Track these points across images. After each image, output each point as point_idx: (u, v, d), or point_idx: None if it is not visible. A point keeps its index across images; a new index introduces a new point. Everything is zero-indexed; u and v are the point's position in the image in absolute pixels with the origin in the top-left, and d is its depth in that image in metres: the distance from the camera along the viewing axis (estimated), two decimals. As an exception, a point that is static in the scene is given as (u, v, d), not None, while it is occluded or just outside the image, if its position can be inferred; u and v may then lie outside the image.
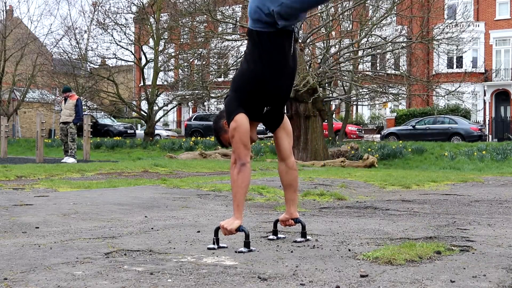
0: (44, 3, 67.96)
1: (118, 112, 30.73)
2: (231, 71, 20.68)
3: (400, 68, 21.41)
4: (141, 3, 27.11)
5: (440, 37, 18.89)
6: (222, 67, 20.61)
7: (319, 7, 19.15)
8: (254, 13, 2.96)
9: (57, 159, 14.25)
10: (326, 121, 22.78)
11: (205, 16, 18.08)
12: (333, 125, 27.38)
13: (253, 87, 3.02)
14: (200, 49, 21.18)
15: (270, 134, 26.96)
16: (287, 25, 2.93)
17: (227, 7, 21.28)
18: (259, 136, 24.81)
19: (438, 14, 23.38)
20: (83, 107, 16.02)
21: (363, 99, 21.49)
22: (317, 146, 15.99)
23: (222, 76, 22.08)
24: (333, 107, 31.21)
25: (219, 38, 19.00)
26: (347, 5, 17.73)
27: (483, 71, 35.22)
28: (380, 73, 20.04)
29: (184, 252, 2.85)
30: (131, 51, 28.47)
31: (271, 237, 3.31)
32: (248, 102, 3.03)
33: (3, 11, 34.77)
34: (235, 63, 19.21)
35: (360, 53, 18.68)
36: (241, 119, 3.00)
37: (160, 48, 27.10)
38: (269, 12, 2.89)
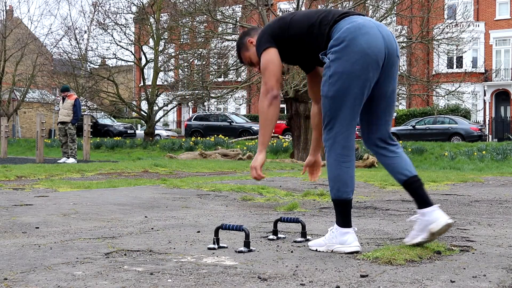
0: (44, 3, 68.06)
1: (118, 112, 30.75)
2: (231, 71, 20.67)
3: (400, 68, 21.40)
4: (141, 3, 27.12)
5: (440, 37, 18.90)
6: (222, 67, 20.61)
7: (319, 7, 19.16)
8: None
9: (57, 159, 14.26)
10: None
11: (205, 16, 18.08)
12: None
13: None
14: (200, 49, 21.18)
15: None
16: None
17: (227, 7, 21.27)
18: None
19: (438, 14, 23.38)
20: (82, 107, 16.03)
21: (363, 99, 21.45)
22: (317, 146, 15.96)
23: (222, 76, 22.07)
24: (333, 107, 31.16)
25: (219, 38, 18.99)
26: (347, 5, 17.72)
27: (483, 71, 35.23)
28: (380, 73, 20.02)
29: (184, 252, 2.85)
30: (131, 51, 28.49)
31: (271, 237, 3.31)
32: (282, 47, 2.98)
33: (3, 11, 34.83)
34: (235, 63, 19.20)
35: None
36: (275, 53, 2.94)
37: (160, 48, 27.11)
38: None
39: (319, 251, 2.89)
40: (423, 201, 2.85)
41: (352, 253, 2.81)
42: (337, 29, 2.80)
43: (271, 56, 2.92)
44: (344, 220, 2.88)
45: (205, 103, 31.45)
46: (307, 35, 2.89)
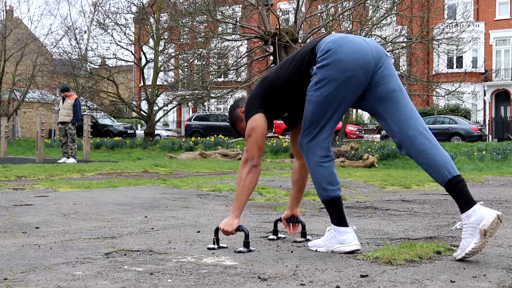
0: (44, 3, 68.07)
1: (118, 112, 30.73)
2: (231, 71, 20.67)
3: (400, 68, 21.45)
4: (141, 3, 27.11)
5: (440, 37, 18.92)
6: (222, 67, 20.61)
7: (319, 7, 19.18)
8: None
9: (57, 159, 14.26)
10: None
11: (205, 16, 18.08)
12: (333, 125, 27.29)
13: (282, 92, 2.97)
14: (200, 49, 21.18)
15: (270, 134, 26.95)
16: None
17: (227, 7, 21.27)
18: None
19: (438, 14, 23.41)
20: (82, 107, 16.02)
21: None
22: (317, 146, 15.94)
23: (222, 76, 22.07)
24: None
25: (219, 38, 19.00)
26: (347, 5, 17.74)
27: (483, 71, 35.23)
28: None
29: (184, 252, 2.85)
30: (131, 51, 28.47)
31: (271, 237, 3.32)
32: (272, 103, 2.99)
33: (3, 11, 34.81)
34: (235, 63, 19.21)
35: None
36: (261, 118, 2.96)
37: (160, 48, 27.09)
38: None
39: (319, 251, 2.90)
40: (467, 203, 2.67)
41: (352, 252, 2.82)
42: (322, 43, 2.85)
43: (255, 123, 2.96)
44: (339, 219, 2.89)
45: (205, 103, 31.42)
46: (296, 68, 2.92)
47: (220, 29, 21.30)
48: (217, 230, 3.00)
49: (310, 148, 2.90)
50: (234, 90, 18.52)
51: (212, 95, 19.61)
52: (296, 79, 2.91)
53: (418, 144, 2.76)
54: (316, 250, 2.91)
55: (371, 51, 2.80)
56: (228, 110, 3.33)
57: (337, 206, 2.90)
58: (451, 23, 21.01)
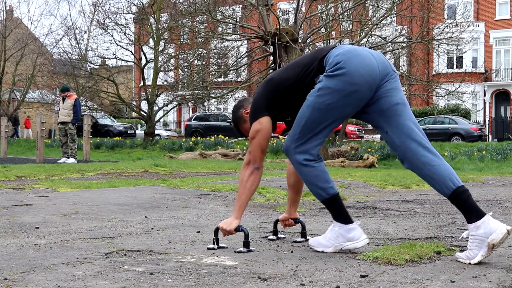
0: (44, 3, 68.09)
1: (118, 112, 30.74)
2: (231, 71, 20.66)
3: (400, 68, 21.46)
4: (141, 3, 27.11)
5: (440, 37, 18.91)
6: (222, 67, 20.60)
7: (319, 7, 19.18)
8: None
9: (57, 159, 14.26)
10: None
11: (205, 16, 18.07)
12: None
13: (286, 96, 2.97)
14: (200, 49, 21.16)
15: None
16: None
17: (227, 7, 21.26)
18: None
19: (438, 14, 23.39)
20: (82, 107, 16.00)
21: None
22: (317, 146, 15.93)
23: (222, 76, 22.05)
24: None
25: (219, 38, 18.98)
26: (347, 5, 17.73)
27: (483, 71, 35.23)
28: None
29: (184, 252, 2.85)
30: (131, 51, 28.47)
31: (271, 237, 3.32)
32: (277, 106, 2.99)
33: (3, 11, 34.84)
34: (235, 63, 19.20)
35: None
36: (266, 122, 2.96)
37: (160, 48, 27.10)
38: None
39: (326, 252, 2.89)
40: (474, 214, 2.64)
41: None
42: (330, 56, 2.83)
43: (260, 125, 2.96)
44: (344, 216, 2.88)
45: (205, 103, 31.41)
46: (303, 74, 2.91)
47: (220, 29, 21.28)
48: (217, 230, 3.00)
49: (297, 154, 2.88)
50: (234, 90, 18.50)
51: (212, 95, 19.59)
52: (304, 85, 2.90)
53: (421, 156, 2.77)
54: (323, 251, 2.90)
55: (378, 66, 2.80)
56: (232, 110, 3.32)
57: (338, 203, 2.89)
58: (451, 23, 21.00)
